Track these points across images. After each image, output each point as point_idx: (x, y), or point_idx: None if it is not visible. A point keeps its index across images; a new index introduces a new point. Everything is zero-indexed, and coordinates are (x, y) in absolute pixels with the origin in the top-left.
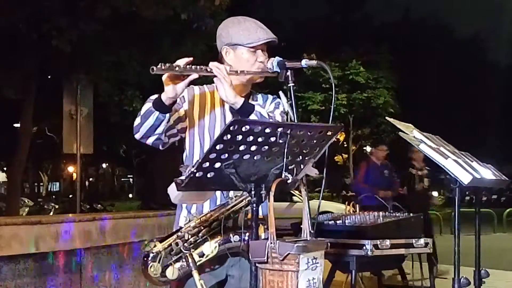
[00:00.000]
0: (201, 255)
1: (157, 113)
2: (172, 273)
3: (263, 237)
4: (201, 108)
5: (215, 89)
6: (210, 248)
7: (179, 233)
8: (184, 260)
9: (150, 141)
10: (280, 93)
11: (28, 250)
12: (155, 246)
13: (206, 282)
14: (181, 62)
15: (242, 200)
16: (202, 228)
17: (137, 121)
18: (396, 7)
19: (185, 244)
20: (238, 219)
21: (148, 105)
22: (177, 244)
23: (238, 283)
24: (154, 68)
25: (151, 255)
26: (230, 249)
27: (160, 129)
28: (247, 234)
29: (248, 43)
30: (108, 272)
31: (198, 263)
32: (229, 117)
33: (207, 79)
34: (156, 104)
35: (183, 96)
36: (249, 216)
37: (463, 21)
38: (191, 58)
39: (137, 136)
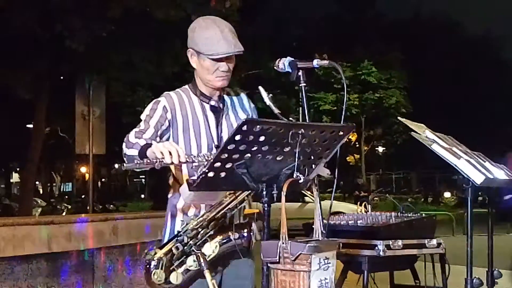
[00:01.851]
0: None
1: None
2: (176, 278)
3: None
4: (184, 114)
5: (189, 90)
6: (210, 248)
7: (178, 237)
8: (191, 261)
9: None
10: (260, 88)
11: (41, 250)
12: (155, 253)
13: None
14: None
15: (236, 198)
16: (200, 230)
17: (124, 152)
18: (407, 6)
19: (185, 248)
20: (234, 217)
21: (133, 152)
22: (177, 248)
23: (234, 279)
24: (124, 164)
25: (153, 262)
26: (230, 248)
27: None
28: (246, 231)
29: (209, 55)
30: (121, 272)
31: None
32: (211, 116)
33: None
34: (142, 156)
35: (164, 106)
36: (246, 211)
37: (474, 19)
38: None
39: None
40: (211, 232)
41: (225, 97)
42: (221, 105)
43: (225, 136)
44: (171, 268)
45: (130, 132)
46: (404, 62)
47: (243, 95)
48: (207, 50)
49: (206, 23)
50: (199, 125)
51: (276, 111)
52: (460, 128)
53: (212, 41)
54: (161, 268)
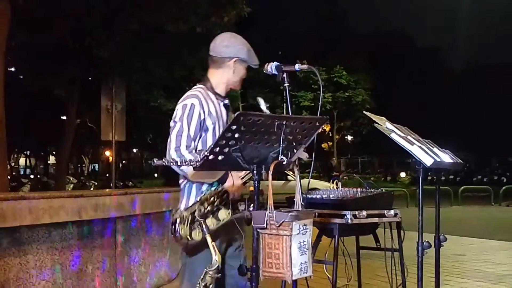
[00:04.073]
0: (218, 219)
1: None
2: (197, 234)
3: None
4: (211, 111)
5: (207, 89)
6: (225, 214)
7: (199, 203)
8: (210, 222)
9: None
10: (259, 98)
11: (73, 218)
12: (181, 213)
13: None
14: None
15: (243, 177)
16: (216, 199)
17: (185, 172)
18: (371, 23)
19: (205, 210)
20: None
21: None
22: (200, 210)
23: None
24: (155, 160)
25: (179, 220)
26: (238, 217)
27: None
28: (251, 205)
29: (253, 63)
30: (137, 236)
31: (216, 226)
32: (224, 112)
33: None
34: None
35: (200, 112)
36: (250, 188)
37: (424, 34)
38: None
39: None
40: (224, 202)
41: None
42: (229, 104)
43: None
44: (193, 226)
45: (176, 145)
46: (368, 68)
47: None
48: (253, 61)
49: (245, 41)
50: (220, 120)
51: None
52: (414, 121)
53: (254, 55)
54: (186, 225)
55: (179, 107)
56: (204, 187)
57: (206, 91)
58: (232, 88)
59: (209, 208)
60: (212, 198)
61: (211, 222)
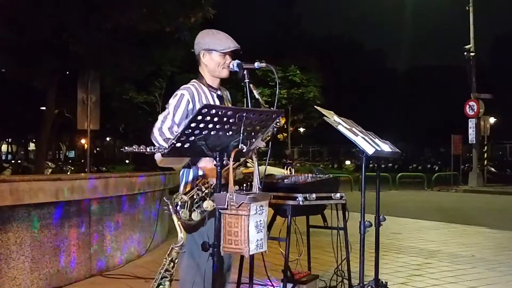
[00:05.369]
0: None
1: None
2: (196, 215)
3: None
4: (201, 101)
5: (200, 83)
6: None
7: (197, 188)
8: (207, 204)
9: None
10: (251, 86)
11: (51, 199)
12: (182, 198)
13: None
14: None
15: (240, 164)
16: (212, 183)
17: (160, 144)
18: (323, 27)
19: (202, 194)
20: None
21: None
22: (198, 194)
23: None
24: (126, 147)
25: (180, 204)
26: None
27: None
28: (244, 185)
29: (221, 49)
30: (110, 216)
31: (213, 208)
32: (217, 103)
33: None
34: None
35: (188, 99)
36: (243, 171)
37: (370, 38)
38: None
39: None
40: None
41: (221, 89)
42: (222, 95)
43: None
44: (192, 209)
45: (160, 125)
46: (319, 67)
47: (227, 91)
48: (219, 46)
49: (212, 31)
50: None
51: (261, 101)
52: (359, 115)
53: (221, 41)
54: (186, 208)
55: (172, 97)
56: (200, 172)
57: (200, 85)
58: (219, 77)
59: (206, 191)
60: (208, 184)
61: (208, 204)
